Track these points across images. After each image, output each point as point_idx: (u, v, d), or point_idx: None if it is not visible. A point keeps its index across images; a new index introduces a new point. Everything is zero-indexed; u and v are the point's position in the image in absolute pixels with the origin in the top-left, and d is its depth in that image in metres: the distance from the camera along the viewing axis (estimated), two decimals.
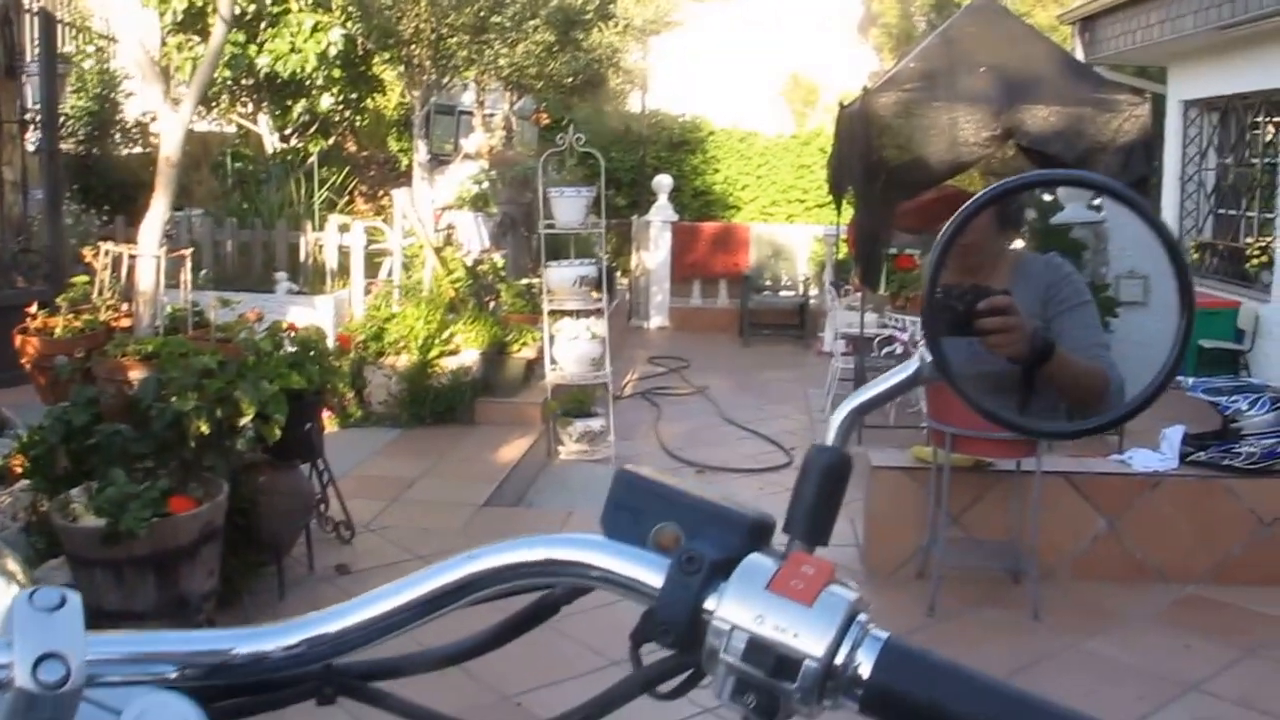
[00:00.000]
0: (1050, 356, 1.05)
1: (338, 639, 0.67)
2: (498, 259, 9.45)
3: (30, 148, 8.62)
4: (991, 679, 0.61)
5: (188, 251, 5.40)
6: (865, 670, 0.59)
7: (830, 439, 0.72)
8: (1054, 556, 4.96)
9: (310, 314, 7.30)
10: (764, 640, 0.59)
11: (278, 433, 4.10)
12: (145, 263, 4.72)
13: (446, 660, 0.80)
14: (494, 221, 10.10)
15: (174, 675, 0.63)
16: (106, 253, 5.77)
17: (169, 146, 4.86)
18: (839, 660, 0.59)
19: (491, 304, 8.45)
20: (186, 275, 5.16)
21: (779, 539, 0.68)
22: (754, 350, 12.40)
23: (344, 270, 8.60)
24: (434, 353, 7.45)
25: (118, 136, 11.46)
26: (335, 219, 8.98)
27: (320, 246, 8.99)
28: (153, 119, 11.43)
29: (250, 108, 12.20)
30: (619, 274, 12.80)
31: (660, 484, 0.68)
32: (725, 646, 0.60)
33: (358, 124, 13.37)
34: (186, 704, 0.62)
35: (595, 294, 7.65)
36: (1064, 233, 4.92)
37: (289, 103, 12.02)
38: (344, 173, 11.46)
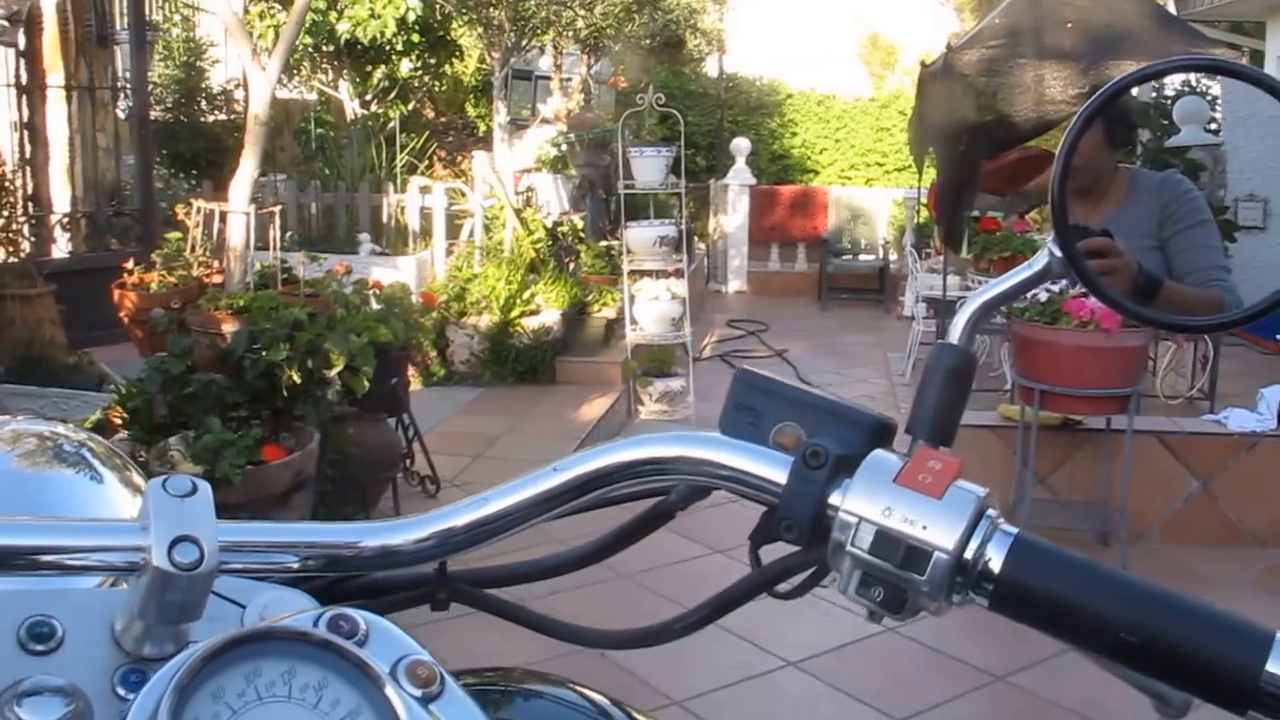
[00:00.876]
0: (1157, 292, 1.03)
1: (467, 532, 0.66)
2: (576, 221, 9.47)
3: (121, 115, 8.79)
4: (1129, 576, 0.59)
5: (277, 208, 5.48)
6: (996, 565, 0.58)
7: (955, 338, 0.70)
8: (1144, 518, 4.89)
9: (393, 274, 7.37)
10: (892, 532, 0.58)
11: (366, 384, 4.16)
12: (236, 219, 4.80)
13: (559, 568, 0.80)
14: (572, 184, 10.11)
15: (297, 566, 0.63)
16: (198, 210, 5.88)
17: (257, 105, 4.92)
18: (969, 554, 0.58)
19: (571, 265, 8.48)
20: (275, 232, 5.24)
21: (900, 443, 0.67)
22: (832, 314, 12.32)
23: (425, 232, 8.68)
24: (515, 313, 7.50)
25: (203, 103, 11.66)
26: (417, 181, 9.05)
27: (402, 209, 9.07)
28: (236, 85, 11.61)
29: (330, 74, 12.31)
30: (696, 238, 12.78)
31: (780, 384, 0.68)
32: (852, 540, 0.59)
33: (436, 89, 13.45)
34: (308, 600, 0.62)
35: (675, 254, 7.64)
36: (1180, 154, 4.80)
37: (369, 68, 12.11)
38: (423, 138, 11.54)
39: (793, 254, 13.64)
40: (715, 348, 10.01)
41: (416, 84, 12.59)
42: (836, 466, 0.61)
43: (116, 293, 5.68)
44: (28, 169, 7.92)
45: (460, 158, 12.03)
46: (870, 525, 0.59)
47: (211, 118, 11.60)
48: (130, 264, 5.86)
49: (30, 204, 7.85)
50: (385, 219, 9.23)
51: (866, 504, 0.59)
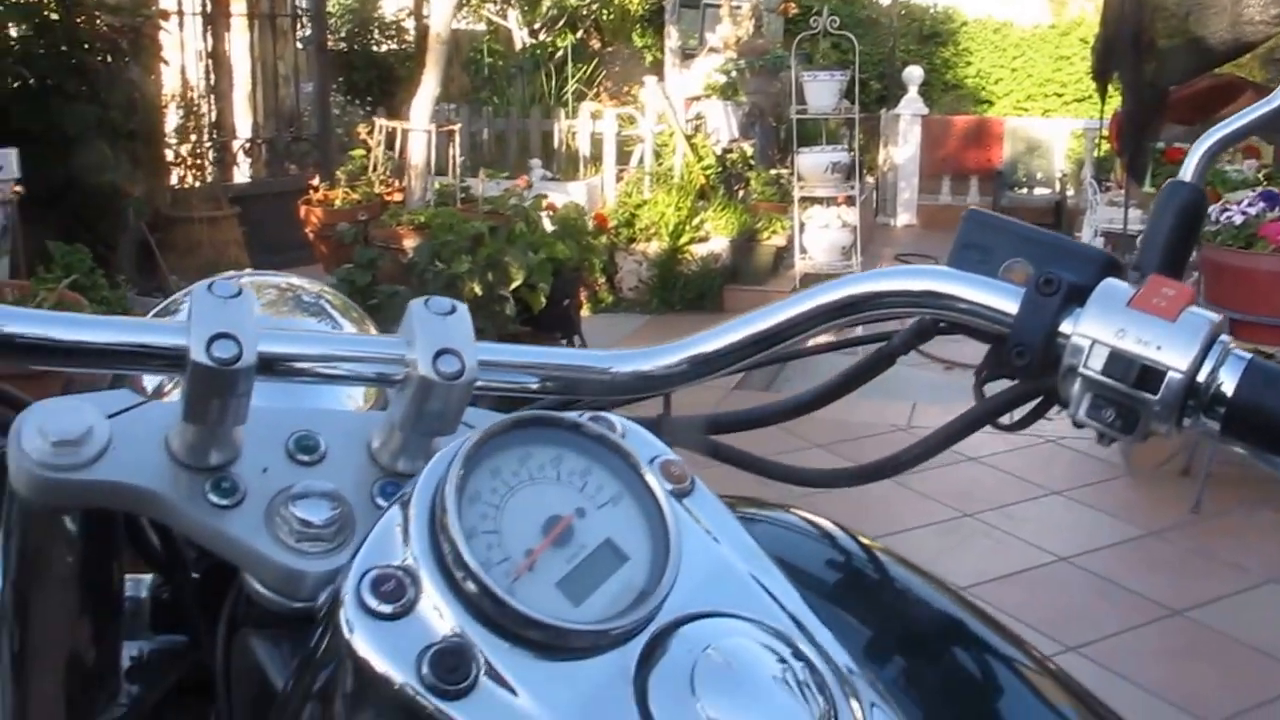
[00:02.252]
0: None
1: (714, 359, 0.68)
2: (746, 148, 9.37)
3: (299, 44, 8.98)
4: None
5: (456, 127, 5.53)
6: (1229, 388, 0.58)
7: (1188, 175, 0.70)
8: None
9: (564, 200, 7.40)
10: (1126, 353, 0.59)
11: (543, 300, 4.20)
12: (416, 137, 4.87)
13: (781, 414, 0.83)
14: (742, 111, 10.00)
15: (549, 387, 0.66)
16: (380, 129, 5.98)
17: (438, 24, 4.96)
18: (1202, 377, 0.58)
19: (741, 192, 8.40)
20: (455, 151, 5.29)
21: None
22: None
23: (595, 158, 8.69)
24: (684, 239, 7.47)
25: (375, 32, 11.84)
26: (588, 106, 9.07)
27: (573, 135, 9.11)
28: (408, 15, 11.76)
29: (499, 4, 12.38)
30: (865, 170, 12.55)
31: (1010, 221, 0.68)
32: (1084, 362, 0.60)
33: (604, 19, 13.41)
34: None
35: (847, 181, 7.49)
36: None
37: None
38: (590, 66, 11.53)
39: (965, 187, 13.27)
40: None
41: (585, 12, 12.57)
42: (1068, 295, 0.62)
43: (303, 209, 5.84)
44: (212, 96, 8.16)
45: (627, 88, 12.00)
46: (1104, 347, 0.60)
47: (384, 47, 11.78)
48: (315, 181, 6.01)
49: (215, 130, 8.09)
50: (556, 145, 9.28)
51: (1099, 327, 0.60)
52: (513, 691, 0.47)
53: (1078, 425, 0.62)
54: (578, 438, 0.55)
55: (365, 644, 0.47)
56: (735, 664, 0.49)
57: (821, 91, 7.25)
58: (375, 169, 5.99)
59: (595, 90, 11.49)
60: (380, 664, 0.47)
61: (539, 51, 11.69)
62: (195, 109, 7.40)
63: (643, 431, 0.59)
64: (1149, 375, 0.59)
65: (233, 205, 7.01)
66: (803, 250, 7.56)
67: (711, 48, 11.57)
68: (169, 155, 7.12)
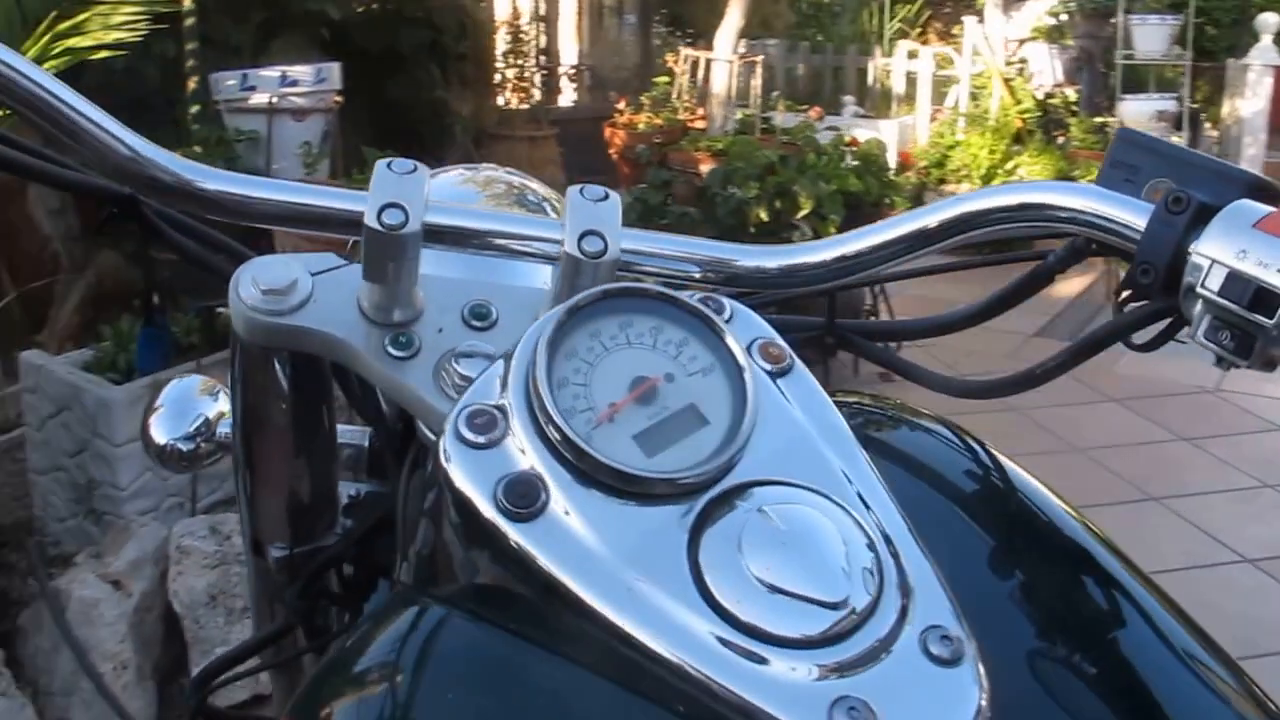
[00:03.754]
0: None
1: (859, 258, 0.71)
2: (1069, 93, 8.97)
3: None
4: None
5: (758, 58, 5.59)
6: None
7: None
8: None
9: (874, 136, 7.34)
10: (1244, 274, 0.58)
11: (832, 231, 4.20)
12: (719, 67, 4.95)
13: (941, 328, 0.86)
14: (1068, 55, 9.56)
15: (698, 276, 0.70)
16: (685, 58, 6.11)
17: None
18: None
19: (1060, 138, 8.06)
20: (757, 82, 5.34)
21: None
22: None
23: (909, 97, 8.55)
24: (996, 183, 7.26)
25: None
26: (905, 45, 8.90)
27: (888, 72, 8.98)
28: None
29: None
30: (1206, 123, 11.73)
31: (1161, 141, 0.67)
32: (1202, 281, 0.59)
33: None
34: None
35: (1175, 132, 7.08)
36: None
37: None
38: (917, 5, 11.27)
39: None
40: None
41: None
42: (1198, 214, 0.61)
43: (608, 130, 6.06)
44: (541, 24, 8.51)
45: (956, 27, 11.66)
46: (1222, 267, 0.59)
47: None
48: (621, 105, 6.21)
49: (542, 56, 8.45)
50: (870, 82, 9.17)
51: (1221, 247, 0.59)
52: (576, 525, 0.52)
53: (1201, 347, 0.61)
54: (677, 311, 0.59)
55: (456, 468, 0.54)
56: (788, 528, 0.52)
57: (1150, 36, 6.86)
58: (679, 96, 6.13)
59: (921, 30, 11.23)
60: (465, 486, 0.53)
61: None
62: (523, 36, 7.75)
63: (752, 315, 0.63)
64: (1265, 298, 0.57)
65: (552, 127, 7.34)
66: None
67: None
68: (496, 78, 7.51)
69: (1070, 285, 6.72)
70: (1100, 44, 9.37)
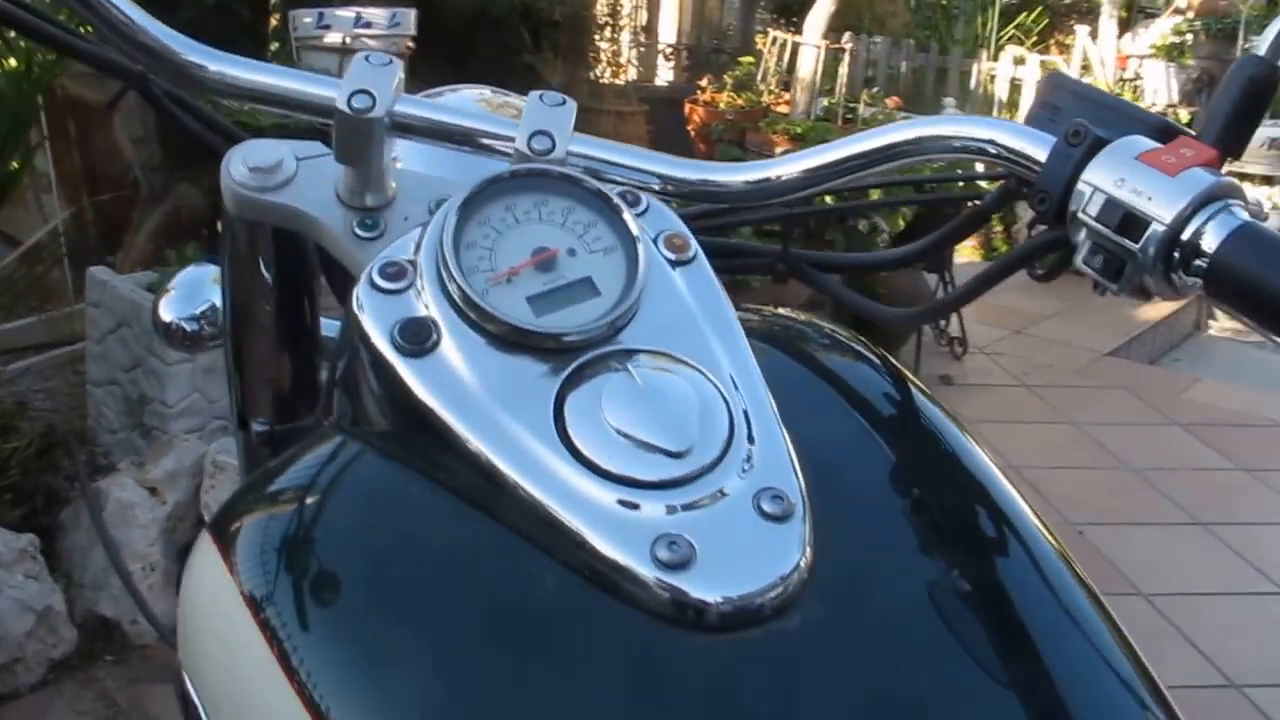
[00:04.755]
0: None
1: (797, 177, 0.73)
2: (1183, 114, 8.71)
3: None
4: None
5: (847, 45, 5.48)
6: (1211, 244, 0.58)
7: (1263, 49, 0.67)
8: None
9: None
10: (1117, 200, 0.61)
11: (901, 224, 4.11)
12: (806, 51, 4.86)
13: (888, 263, 0.93)
14: (1186, 75, 9.30)
15: (657, 188, 0.73)
16: (774, 40, 6.02)
17: None
18: (1187, 233, 0.59)
19: None
20: (844, 69, 5.24)
21: None
22: None
23: (1012, 104, 8.39)
24: None
25: None
26: (1011, 51, 8.73)
27: (992, 77, 8.83)
28: None
29: None
30: None
31: (1084, 85, 0.70)
32: (1083, 207, 0.62)
33: None
34: None
35: None
36: None
37: None
38: (1037, 10, 11.07)
39: None
40: None
41: None
42: (1093, 146, 0.63)
43: (688, 107, 6.01)
44: (645, 2, 8.47)
45: (1070, 38, 11.44)
46: (1101, 194, 0.62)
47: None
48: (704, 82, 6.15)
49: (642, 33, 8.40)
50: (973, 86, 9.01)
51: (1103, 175, 0.62)
52: (459, 366, 0.58)
53: (1078, 273, 0.65)
54: (586, 194, 0.64)
55: (364, 310, 0.60)
56: (648, 387, 0.57)
57: None
58: (764, 78, 6.05)
59: (1038, 40, 11.03)
60: (369, 325, 0.60)
61: None
62: (621, 9, 7.72)
63: (666, 211, 0.68)
64: (1133, 223, 0.60)
65: (642, 104, 7.29)
66: None
67: (1176, 8, 10.83)
68: (592, 52, 7.48)
69: (1158, 309, 6.52)
70: (1224, 66, 9.09)
